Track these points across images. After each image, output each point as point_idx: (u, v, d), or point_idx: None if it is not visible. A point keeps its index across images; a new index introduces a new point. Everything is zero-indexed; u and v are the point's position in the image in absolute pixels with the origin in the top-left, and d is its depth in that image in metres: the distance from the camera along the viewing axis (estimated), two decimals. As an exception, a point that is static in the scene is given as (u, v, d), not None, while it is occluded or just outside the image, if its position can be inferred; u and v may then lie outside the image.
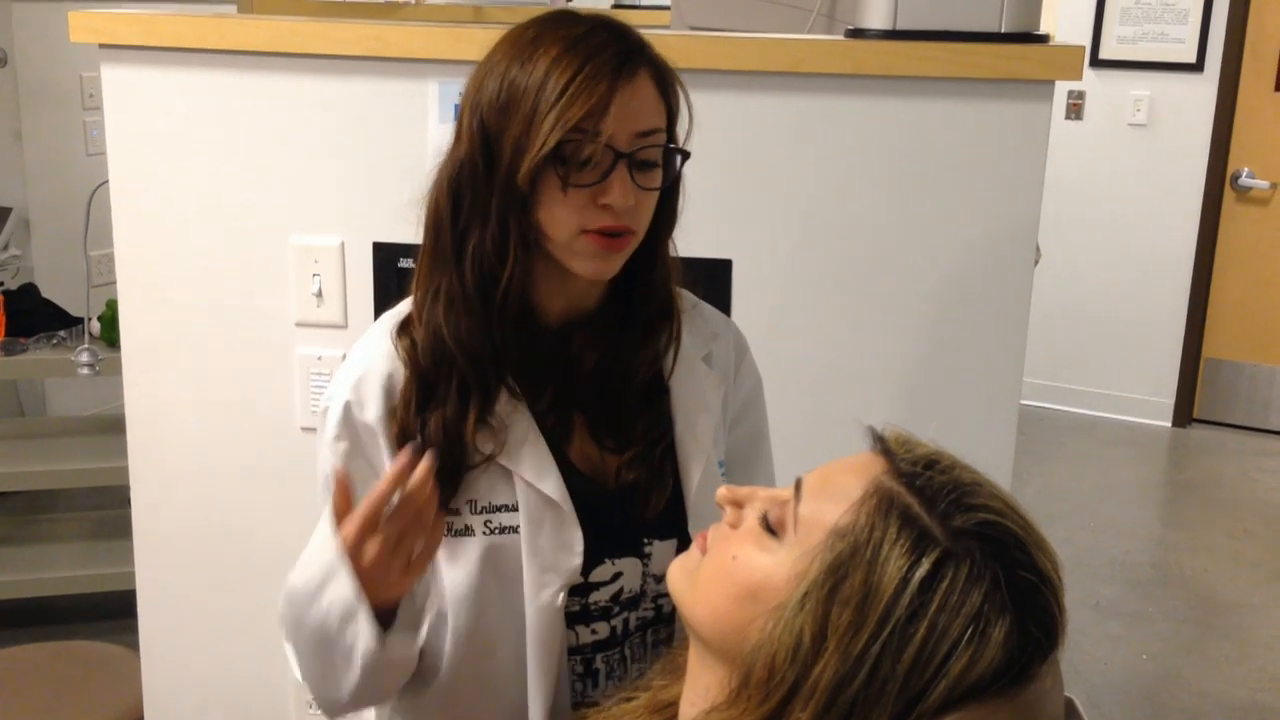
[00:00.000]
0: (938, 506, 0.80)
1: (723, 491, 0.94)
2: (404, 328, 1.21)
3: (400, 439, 1.18)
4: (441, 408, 1.17)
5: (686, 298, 1.31)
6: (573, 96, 1.07)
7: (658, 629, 1.29)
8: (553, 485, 1.19)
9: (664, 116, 1.15)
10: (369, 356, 1.23)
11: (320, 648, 1.14)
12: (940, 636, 0.76)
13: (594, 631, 1.25)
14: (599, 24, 1.13)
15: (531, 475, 1.19)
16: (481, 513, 1.20)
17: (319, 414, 1.26)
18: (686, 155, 1.17)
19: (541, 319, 1.21)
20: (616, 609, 1.25)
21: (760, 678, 0.81)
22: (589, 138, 1.08)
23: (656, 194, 1.16)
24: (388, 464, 1.20)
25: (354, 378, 1.23)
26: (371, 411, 1.21)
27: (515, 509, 1.20)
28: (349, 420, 1.22)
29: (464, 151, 1.14)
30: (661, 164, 1.15)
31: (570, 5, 1.19)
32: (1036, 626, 0.78)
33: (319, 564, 1.12)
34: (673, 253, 1.25)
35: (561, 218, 1.12)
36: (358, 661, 1.13)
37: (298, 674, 1.24)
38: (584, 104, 1.07)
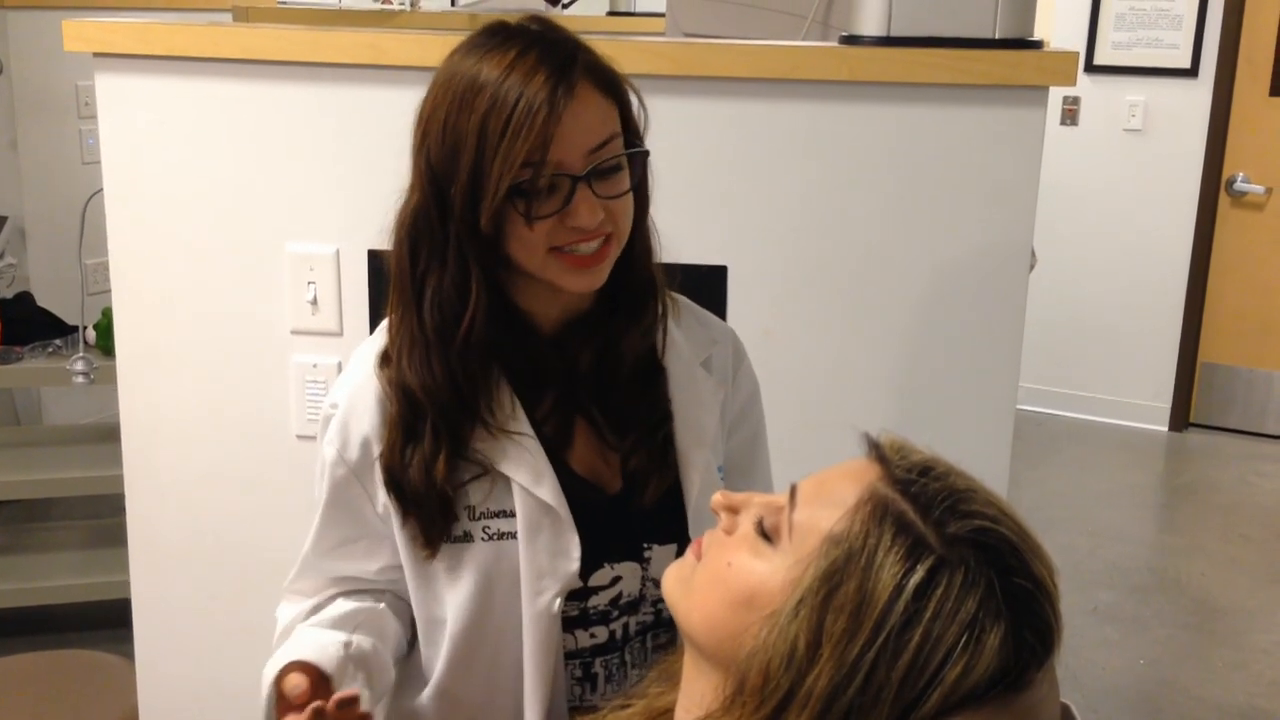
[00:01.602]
0: (932, 513, 0.79)
1: (718, 498, 0.94)
2: (385, 360, 1.21)
3: (386, 476, 1.19)
4: (420, 447, 1.17)
5: (680, 301, 1.31)
6: (513, 136, 1.06)
7: (657, 634, 1.29)
8: (549, 490, 1.19)
9: (616, 118, 1.14)
10: (366, 368, 1.23)
11: None
12: (935, 644, 0.76)
13: (593, 636, 1.25)
14: (528, 41, 1.11)
15: (528, 481, 1.19)
16: (480, 519, 1.20)
17: (319, 421, 1.26)
18: (644, 153, 1.17)
19: (538, 328, 1.22)
20: (615, 613, 1.25)
21: (755, 684, 0.81)
22: (539, 170, 1.08)
23: (629, 195, 1.15)
24: (379, 482, 1.21)
25: (349, 390, 1.23)
26: (367, 423, 1.21)
27: (513, 515, 1.20)
28: (344, 434, 1.22)
29: (417, 199, 1.15)
30: (627, 164, 1.15)
31: (508, 14, 1.17)
32: (1032, 633, 0.78)
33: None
34: (658, 255, 1.25)
35: (530, 245, 1.12)
36: None
37: None
38: (525, 140, 1.06)
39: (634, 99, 1.18)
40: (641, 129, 1.19)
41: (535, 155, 1.07)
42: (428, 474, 1.16)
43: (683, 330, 1.30)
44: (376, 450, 1.21)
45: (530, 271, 1.15)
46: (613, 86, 1.14)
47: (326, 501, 1.26)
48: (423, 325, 1.16)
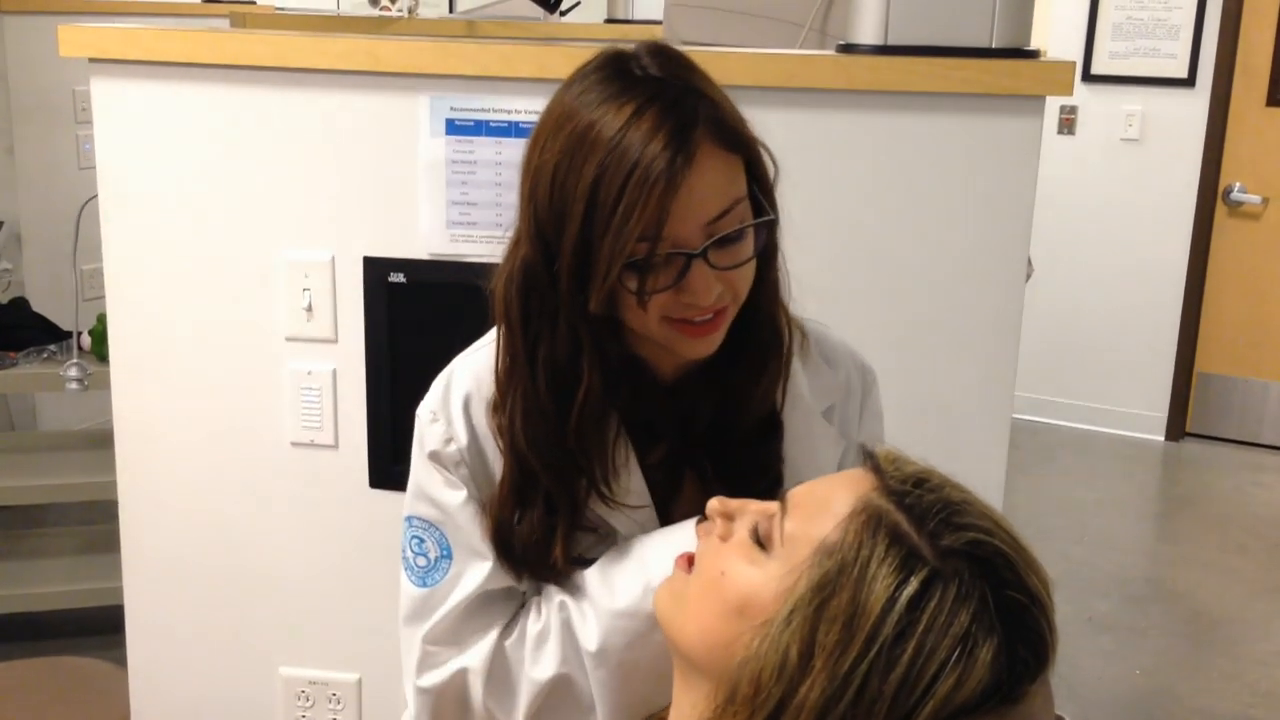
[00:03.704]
0: (927, 525, 0.79)
1: (713, 504, 0.93)
2: (495, 407, 1.14)
3: (495, 531, 1.13)
4: (529, 513, 1.12)
5: (810, 336, 1.23)
6: (625, 214, 0.97)
7: None
8: None
9: (741, 179, 1.05)
10: (481, 368, 1.16)
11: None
12: (928, 657, 0.75)
13: None
14: (650, 93, 1.00)
15: (633, 536, 1.14)
16: (573, 564, 1.15)
17: (424, 419, 1.17)
18: (773, 223, 1.08)
19: (658, 376, 1.15)
20: None
21: (746, 694, 0.80)
22: (654, 246, 0.99)
23: (751, 261, 1.06)
24: (495, 467, 1.14)
25: (473, 378, 1.16)
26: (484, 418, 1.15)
27: None
28: (468, 415, 1.15)
29: (526, 254, 1.06)
30: (753, 230, 1.06)
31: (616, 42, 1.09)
32: (1025, 647, 0.78)
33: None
34: (785, 284, 1.18)
35: (642, 316, 1.04)
36: None
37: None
38: (639, 219, 0.97)
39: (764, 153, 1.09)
40: (774, 179, 1.10)
41: (649, 231, 0.98)
42: (535, 539, 1.11)
43: (809, 373, 1.21)
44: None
45: (644, 335, 1.09)
46: (738, 143, 1.04)
47: (454, 531, 1.16)
48: (536, 390, 1.08)
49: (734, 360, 1.14)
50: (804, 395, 1.19)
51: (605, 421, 1.11)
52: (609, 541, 1.15)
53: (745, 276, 1.07)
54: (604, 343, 1.07)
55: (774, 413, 1.17)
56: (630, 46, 1.07)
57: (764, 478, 1.17)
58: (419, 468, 1.18)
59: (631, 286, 1.01)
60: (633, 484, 1.13)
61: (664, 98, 1.00)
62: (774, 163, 1.10)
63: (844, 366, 1.26)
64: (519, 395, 1.10)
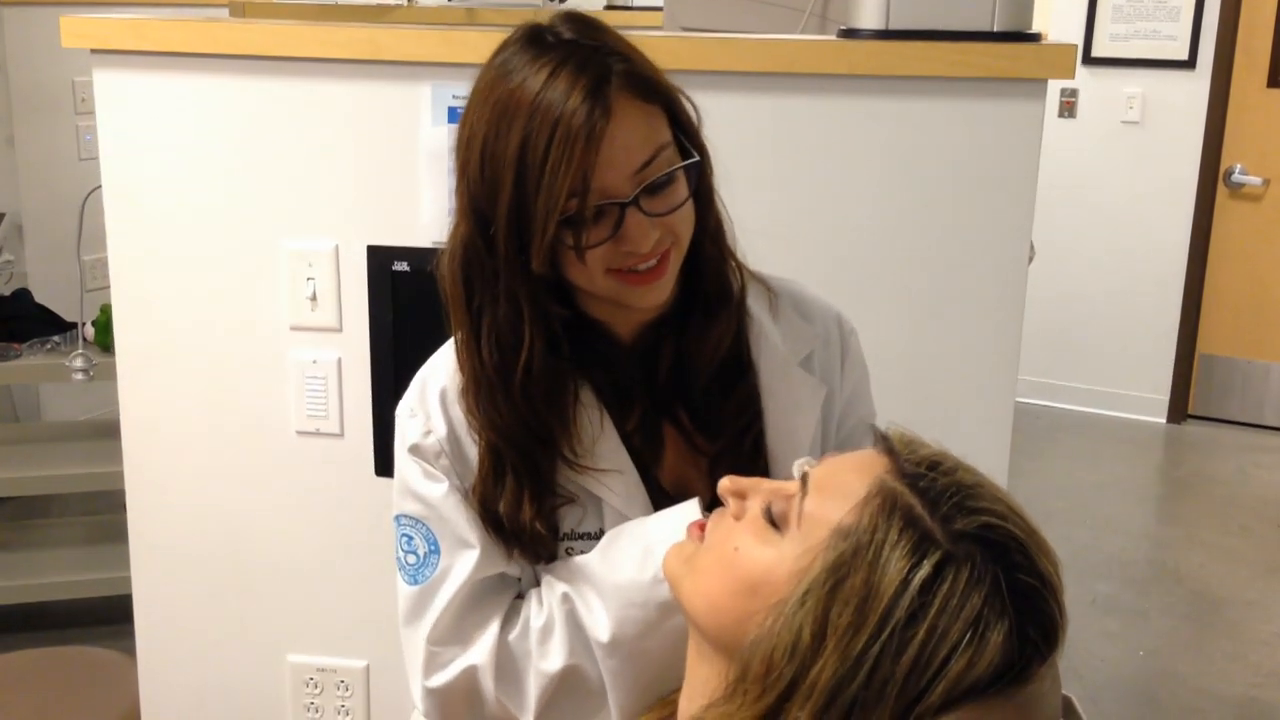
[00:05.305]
0: (940, 509, 0.79)
1: (725, 483, 0.93)
2: (464, 391, 1.17)
3: (481, 509, 1.15)
4: (504, 484, 1.14)
5: (783, 292, 1.25)
6: (553, 172, 1.00)
7: None
8: (640, 513, 1.16)
9: (663, 126, 1.08)
10: (453, 362, 1.18)
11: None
12: (940, 639, 0.76)
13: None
14: (562, 56, 1.04)
15: (620, 503, 1.15)
16: (564, 540, 1.17)
17: (403, 416, 1.20)
18: (696, 163, 1.10)
19: (618, 337, 1.18)
20: None
21: (758, 673, 0.81)
22: (584, 200, 1.02)
23: (687, 204, 1.09)
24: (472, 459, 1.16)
25: (447, 373, 1.18)
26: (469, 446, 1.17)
27: (601, 537, 1.17)
28: (445, 407, 1.17)
29: (464, 230, 1.10)
30: (682, 173, 1.09)
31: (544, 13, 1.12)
32: (1035, 630, 0.78)
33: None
34: (730, 231, 1.19)
35: (587, 272, 1.07)
36: None
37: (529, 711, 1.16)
38: (565, 175, 1.00)
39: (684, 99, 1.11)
40: (697, 124, 1.12)
41: (578, 185, 1.01)
42: (517, 513, 1.13)
43: (781, 327, 1.23)
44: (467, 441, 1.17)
45: (592, 293, 1.11)
46: (654, 92, 1.07)
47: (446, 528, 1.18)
48: (483, 363, 1.11)
49: (687, 309, 1.17)
50: (778, 346, 1.22)
51: (560, 386, 1.13)
52: (594, 514, 1.17)
53: (684, 219, 1.10)
54: (546, 306, 1.10)
55: (739, 358, 1.20)
56: (546, 19, 1.10)
57: (739, 420, 1.19)
58: (401, 464, 1.20)
59: (570, 242, 1.05)
60: (603, 448, 1.15)
61: (577, 57, 1.04)
62: (695, 108, 1.13)
63: (820, 319, 1.28)
64: (470, 369, 1.13)
